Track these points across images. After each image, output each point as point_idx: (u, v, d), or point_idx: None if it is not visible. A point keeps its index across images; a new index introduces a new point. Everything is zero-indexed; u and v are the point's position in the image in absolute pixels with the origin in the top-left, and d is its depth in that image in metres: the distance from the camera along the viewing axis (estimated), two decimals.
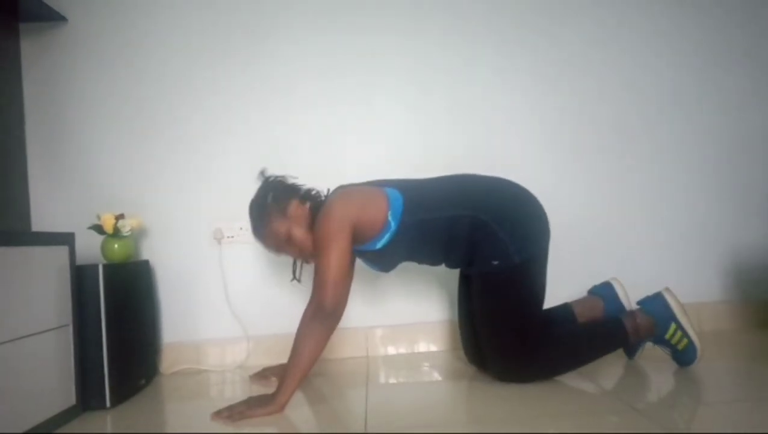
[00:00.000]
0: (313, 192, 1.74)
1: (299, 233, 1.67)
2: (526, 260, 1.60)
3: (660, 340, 1.66)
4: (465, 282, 1.80)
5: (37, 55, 2.16)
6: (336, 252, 1.52)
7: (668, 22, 2.28)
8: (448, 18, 2.23)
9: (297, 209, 1.68)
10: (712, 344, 1.88)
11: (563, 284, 2.19)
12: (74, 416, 1.60)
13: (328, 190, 1.76)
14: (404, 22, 2.23)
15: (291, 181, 1.76)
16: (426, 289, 2.20)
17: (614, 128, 2.25)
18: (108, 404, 1.68)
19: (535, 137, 2.23)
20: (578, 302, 1.86)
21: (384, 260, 1.73)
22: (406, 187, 1.67)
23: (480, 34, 2.24)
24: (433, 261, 1.78)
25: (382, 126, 2.21)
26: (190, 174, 2.18)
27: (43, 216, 2.14)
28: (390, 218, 1.60)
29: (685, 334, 1.60)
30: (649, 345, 1.71)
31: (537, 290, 1.67)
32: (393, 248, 1.65)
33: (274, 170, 1.77)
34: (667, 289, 1.66)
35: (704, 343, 1.61)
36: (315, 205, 1.69)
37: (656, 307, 1.65)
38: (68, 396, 1.59)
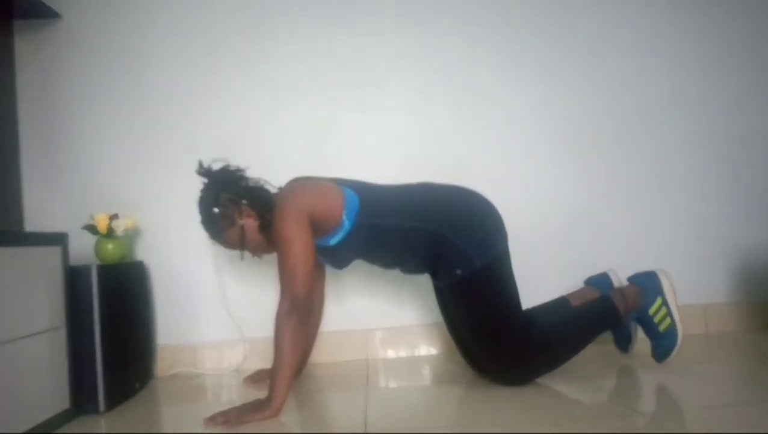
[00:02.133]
0: (259, 187, 1.70)
1: (252, 235, 1.65)
2: (489, 263, 1.59)
3: (644, 315, 1.65)
4: (440, 296, 1.79)
5: (31, 52, 2.14)
6: (299, 246, 1.50)
7: (668, 23, 2.28)
8: (448, 19, 2.22)
9: (246, 212, 1.64)
10: (717, 345, 1.88)
11: (563, 285, 2.18)
12: (68, 420, 1.57)
13: (279, 189, 1.73)
14: (404, 23, 2.21)
15: (233, 172, 1.69)
16: (426, 292, 2.17)
17: (615, 128, 2.24)
18: (102, 408, 1.65)
19: (536, 137, 2.22)
20: (574, 294, 1.87)
21: (336, 258, 1.72)
22: (362, 189, 1.66)
23: (480, 35, 2.23)
24: (386, 266, 1.78)
25: (382, 127, 2.20)
26: (186, 174, 2.14)
27: (37, 216, 2.11)
28: (344, 216, 1.59)
29: (669, 313, 1.60)
30: (640, 336, 1.71)
31: (508, 287, 1.65)
32: (347, 247, 1.65)
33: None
34: (663, 270, 1.66)
35: (709, 344, 1.60)
36: (263, 201, 1.65)
37: (646, 280, 1.67)
38: (62, 400, 1.57)
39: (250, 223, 1.64)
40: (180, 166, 2.15)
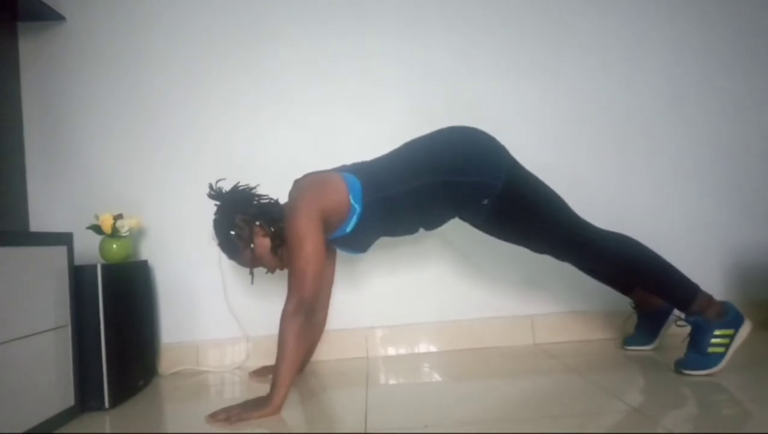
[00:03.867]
0: (271, 203, 1.73)
1: (266, 254, 1.69)
2: (508, 179, 1.62)
3: (708, 328, 1.61)
4: (486, 227, 1.76)
5: (35, 54, 2.16)
6: (311, 246, 1.52)
7: (667, 25, 2.27)
8: (448, 20, 2.23)
9: (260, 233, 1.68)
10: None
11: (563, 286, 2.19)
12: (73, 417, 1.60)
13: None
14: (404, 24, 2.22)
15: (244, 191, 1.73)
16: (426, 289, 2.19)
17: (614, 129, 2.25)
18: (107, 405, 1.67)
19: (534, 139, 2.23)
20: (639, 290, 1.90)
21: (357, 242, 1.74)
22: (358, 170, 1.68)
23: (479, 36, 2.23)
24: (409, 231, 1.79)
25: (382, 129, 2.20)
26: (189, 173, 2.17)
27: (42, 216, 2.13)
28: (352, 201, 1.61)
29: (727, 347, 1.59)
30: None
31: (541, 187, 1.68)
32: (363, 229, 1.67)
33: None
34: (750, 323, 1.64)
35: None
36: (276, 219, 1.69)
37: (734, 312, 1.64)
38: (67, 397, 1.59)
39: (264, 242, 1.68)
40: (183, 166, 2.17)
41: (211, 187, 1.71)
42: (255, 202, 1.71)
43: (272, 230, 1.68)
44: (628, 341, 1.98)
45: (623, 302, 1.99)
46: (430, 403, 1.56)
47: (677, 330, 1.73)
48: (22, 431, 1.38)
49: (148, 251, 2.15)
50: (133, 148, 2.17)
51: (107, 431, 1.54)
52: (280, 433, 1.39)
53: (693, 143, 2.25)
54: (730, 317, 1.62)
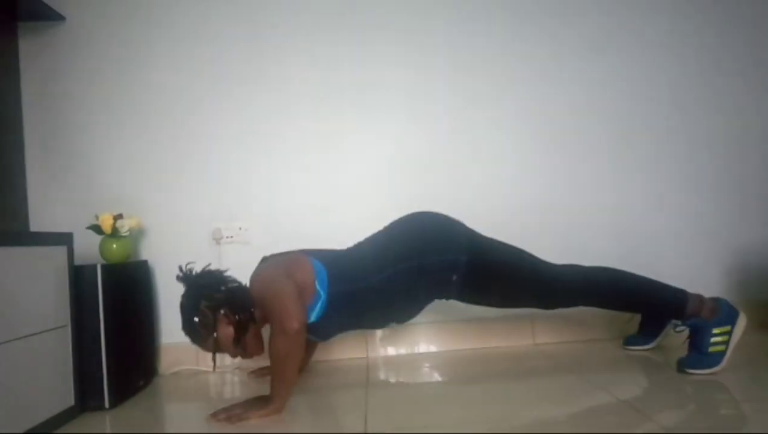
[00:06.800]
0: (239, 288, 1.69)
1: (228, 343, 1.62)
2: (471, 251, 1.64)
3: (705, 327, 1.63)
4: (464, 299, 1.77)
5: (35, 54, 2.16)
6: (283, 285, 1.52)
7: (668, 25, 2.28)
8: (448, 22, 2.23)
9: (224, 321, 1.62)
10: None
11: None
12: (73, 416, 1.60)
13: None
14: (404, 25, 2.22)
15: (212, 275, 1.69)
16: None
17: (615, 130, 2.25)
18: (107, 404, 1.67)
19: (536, 139, 2.23)
20: None
21: (319, 331, 1.69)
22: (325, 258, 1.67)
23: (478, 38, 2.23)
24: (377, 325, 1.82)
25: (382, 131, 2.21)
26: (189, 174, 2.17)
27: (42, 216, 2.13)
28: (318, 286, 1.60)
29: (726, 344, 1.61)
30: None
31: (504, 249, 1.70)
32: (327, 319, 1.64)
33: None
34: (744, 316, 1.65)
35: None
36: (242, 306, 1.64)
37: (728, 308, 1.65)
38: (67, 397, 1.59)
39: (227, 331, 1.61)
40: (184, 166, 2.17)
41: (180, 269, 1.66)
42: (222, 288, 1.65)
43: (237, 318, 1.62)
44: (628, 341, 1.99)
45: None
46: (430, 403, 1.56)
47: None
48: (22, 431, 1.37)
49: (148, 251, 2.15)
50: (133, 148, 2.16)
51: (107, 431, 1.54)
52: (280, 433, 1.39)
53: (693, 144, 2.26)
54: (725, 314, 1.64)
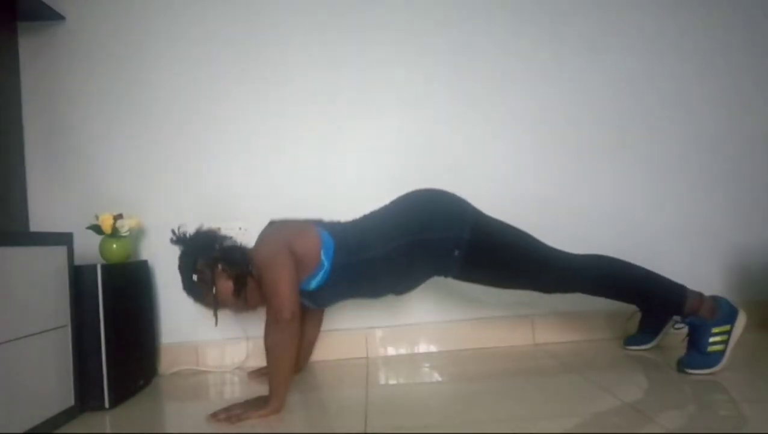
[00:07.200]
0: (234, 246, 1.71)
1: (228, 297, 1.66)
2: (474, 228, 1.65)
3: (704, 326, 1.63)
4: (464, 277, 1.77)
5: (35, 54, 2.16)
6: (281, 267, 1.54)
7: (669, 24, 2.27)
8: (448, 22, 2.23)
9: (222, 276, 1.65)
10: None
11: None
12: (73, 416, 1.60)
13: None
14: (404, 25, 2.22)
15: (207, 235, 1.72)
16: (426, 289, 2.18)
17: (616, 129, 2.25)
18: (107, 404, 1.67)
19: (536, 138, 2.23)
20: None
21: (317, 299, 1.74)
22: (334, 229, 1.69)
23: (480, 36, 2.23)
24: (376, 295, 1.81)
25: (382, 131, 2.21)
26: (189, 174, 2.17)
27: (42, 216, 2.13)
28: (323, 256, 1.62)
29: (726, 344, 1.60)
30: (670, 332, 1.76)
31: (507, 229, 1.71)
32: (328, 288, 1.67)
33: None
34: (744, 314, 1.65)
35: None
36: (239, 261, 1.66)
37: (727, 306, 1.65)
38: (67, 397, 1.59)
39: (226, 285, 1.65)
40: (184, 165, 2.17)
41: (173, 232, 1.69)
42: (217, 246, 1.69)
43: (235, 272, 1.65)
44: (629, 341, 1.99)
45: (623, 303, 1.99)
46: (430, 403, 1.56)
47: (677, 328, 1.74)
48: (22, 431, 1.37)
49: (148, 251, 2.15)
50: (133, 148, 2.17)
51: (107, 431, 1.54)
52: (280, 433, 1.39)
53: (692, 143, 2.25)
54: (724, 313, 1.64)
